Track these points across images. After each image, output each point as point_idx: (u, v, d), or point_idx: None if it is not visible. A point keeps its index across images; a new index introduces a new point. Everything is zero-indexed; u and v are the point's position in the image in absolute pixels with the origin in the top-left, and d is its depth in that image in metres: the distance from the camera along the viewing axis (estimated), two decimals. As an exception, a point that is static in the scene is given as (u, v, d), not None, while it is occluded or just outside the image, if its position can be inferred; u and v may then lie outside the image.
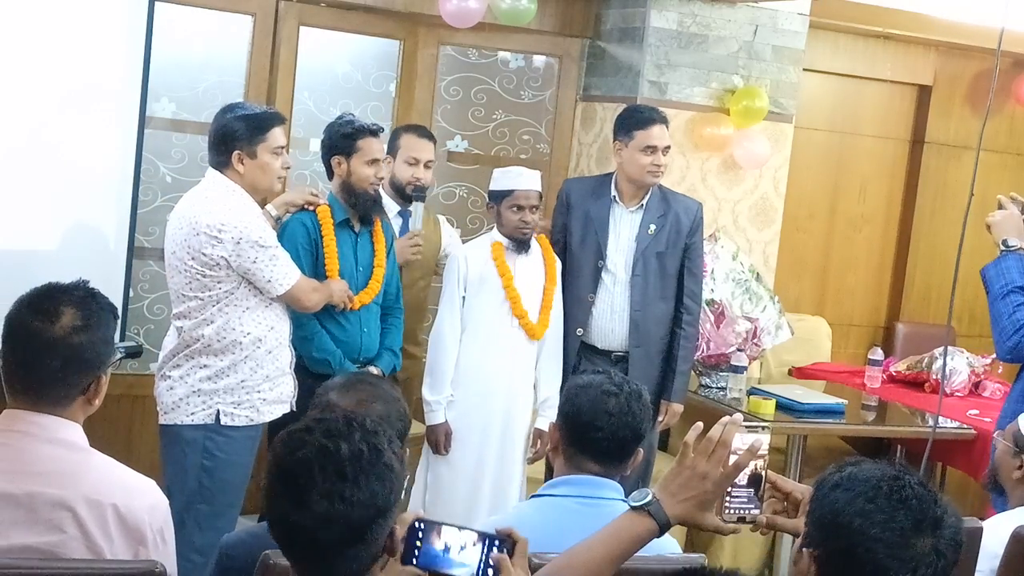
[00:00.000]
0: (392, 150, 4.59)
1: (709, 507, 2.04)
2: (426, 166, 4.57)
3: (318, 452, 1.78)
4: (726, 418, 2.05)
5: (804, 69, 6.04)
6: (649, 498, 2.03)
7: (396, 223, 4.52)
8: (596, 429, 2.62)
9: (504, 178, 4.34)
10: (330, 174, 4.16)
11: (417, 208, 4.54)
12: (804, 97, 6.21)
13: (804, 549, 1.83)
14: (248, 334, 3.75)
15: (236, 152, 3.71)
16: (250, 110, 3.82)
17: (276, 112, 3.89)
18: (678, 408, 4.60)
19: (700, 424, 2.09)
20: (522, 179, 4.31)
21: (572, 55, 6.00)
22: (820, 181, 6.74)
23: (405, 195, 4.56)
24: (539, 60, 6.08)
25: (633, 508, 2.04)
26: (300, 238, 4.01)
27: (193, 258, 3.68)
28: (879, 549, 1.74)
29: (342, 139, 4.09)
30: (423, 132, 4.73)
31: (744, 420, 2.07)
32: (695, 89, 5.73)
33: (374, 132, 4.12)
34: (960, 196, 3.93)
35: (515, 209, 4.28)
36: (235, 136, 3.71)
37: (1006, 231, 3.79)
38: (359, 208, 4.11)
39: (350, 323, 4.11)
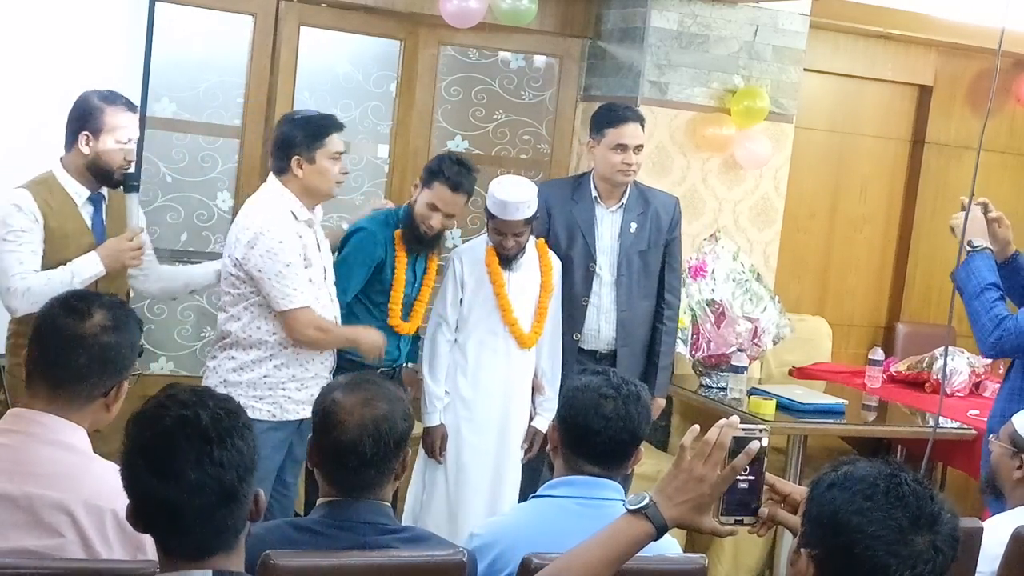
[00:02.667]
0: (94, 127, 3.72)
1: (706, 510, 2.04)
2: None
3: (178, 422, 1.81)
4: (723, 420, 2.05)
5: (804, 69, 6.04)
6: (646, 501, 2.03)
7: (86, 211, 3.75)
8: (593, 433, 2.60)
9: (492, 200, 4.21)
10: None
11: (131, 200, 3.80)
12: (804, 97, 6.20)
13: (802, 549, 1.83)
14: (275, 334, 3.84)
15: (295, 157, 3.81)
16: (309, 116, 3.92)
17: (334, 119, 3.94)
18: (661, 403, 4.65)
19: (696, 427, 2.09)
20: (507, 208, 4.15)
21: (572, 55, 6.00)
22: (820, 181, 6.74)
23: (110, 179, 3.76)
24: (540, 60, 6.08)
25: (630, 511, 2.04)
26: (367, 249, 4.11)
27: (228, 255, 3.84)
28: (878, 547, 1.74)
29: (427, 173, 4.17)
30: (131, 105, 3.86)
31: (741, 423, 2.06)
32: (696, 89, 5.73)
33: (454, 187, 4.09)
34: (960, 196, 3.94)
35: (496, 232, 4.25)
36: (294, 142, 3.81)
37: (971, 232, 3.82)
38: (407, 236, 4.18)
39: (390, 336, 4.16)
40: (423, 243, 4.18)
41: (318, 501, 2.47)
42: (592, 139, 4.47)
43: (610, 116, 4.45)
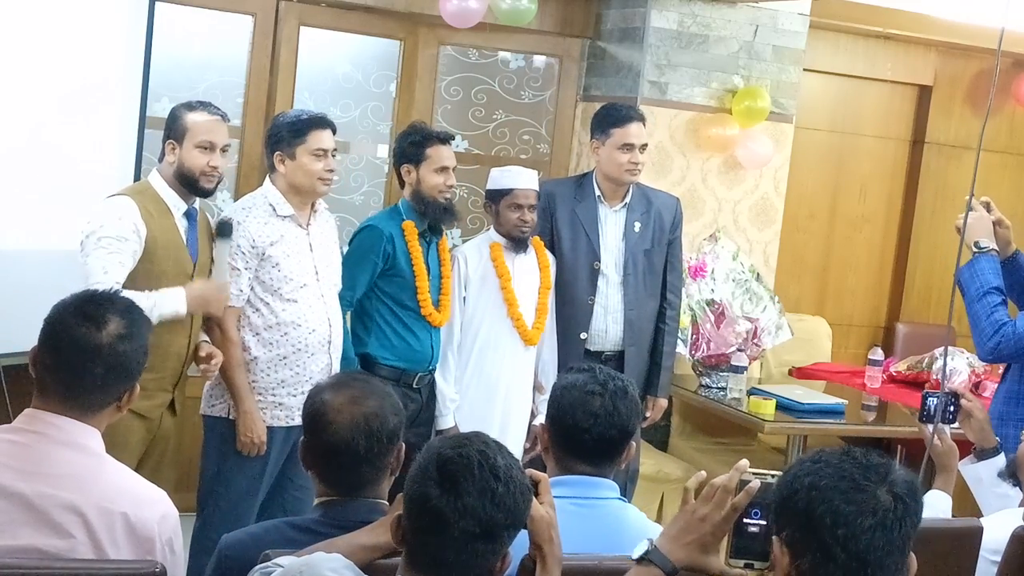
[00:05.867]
0: (177, 134, 3.70)
1: (712, 550, 2.08)
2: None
3: (479, 454, 1.93)
4: (733, 470, 2.09)
5: (804, 69, 6.04)
6: (647, 547, 2.07)
7: (181, 225, 3.69)
8: (583, 432, 2.57)
9: (502, 177, 4.34)
10: (402, 183, 4.22)
11: (224, 246, 3.75)
12: (804, 97, 6.21)
13: (774, 537, 1.87)
14: (245, 339, 3.85)
15: (277, 153, 3.86)
16: (294, 114, 3.94)
17: (320, 116, 3.93)
18: (663, 403, 4.64)
19: (703, 473, 2.14)
20: (521, 178, 4.31)
21: (572, 55, 6.00)
22: (820, 181, 6.75)
23: (195, 187, 3.70)
24: (539, 60, 6.08)
25: (637, 561, 2.07)
26: (372, 244, 4.08)
27: None
28: (834, 496, 1.78)
29: (410, 147, 4.16)
30: (214, 110, 3.79)
31: (751, 467, 2.09)
32: (695, 89, 5.73)
33: (443, 140, 4.18)
34: (960, 196, 3.95)
35: (514, 208, 4.28)
36: (278, 139, 3.87)
37: (976, 233, 3.81)
38: (428, 216, 4.16)
39: (424, 333, 4.17)
40: (449, 212, 4.18)
41: (314, 502, 2.47)
42: (596, 139, 4.49)
43: (614, 116, 4.47)
